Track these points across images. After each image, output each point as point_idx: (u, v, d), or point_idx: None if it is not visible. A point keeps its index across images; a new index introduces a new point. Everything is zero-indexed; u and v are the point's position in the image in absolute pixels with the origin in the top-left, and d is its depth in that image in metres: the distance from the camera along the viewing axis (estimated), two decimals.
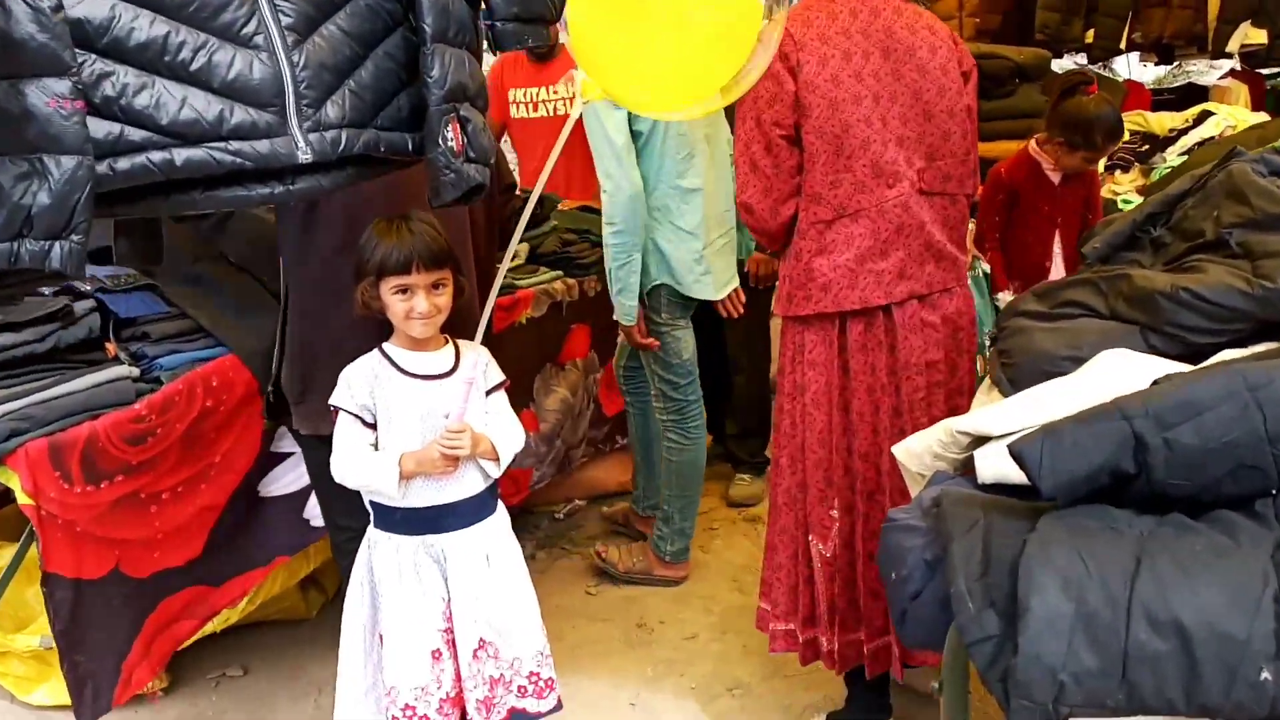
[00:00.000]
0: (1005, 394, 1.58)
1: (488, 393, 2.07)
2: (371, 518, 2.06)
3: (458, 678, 2.00)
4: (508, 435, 2.04)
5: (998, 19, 5.57)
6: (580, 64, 1.73)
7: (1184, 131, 5.16)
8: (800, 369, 2.19)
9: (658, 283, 2.96)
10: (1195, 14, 5.95)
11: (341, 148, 1.35)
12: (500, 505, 2.13)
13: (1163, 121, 5.26)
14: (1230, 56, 6.19)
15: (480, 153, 1.46)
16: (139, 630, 2.25)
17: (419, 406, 1.97)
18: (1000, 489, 1.31)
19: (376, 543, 2.03)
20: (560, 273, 3.46)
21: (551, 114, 4.06)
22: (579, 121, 3.07)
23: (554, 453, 3.48)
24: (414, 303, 1.90)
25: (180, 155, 1.28)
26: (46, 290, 2.26)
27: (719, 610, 3.12)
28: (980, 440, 1.40)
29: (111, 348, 2.28)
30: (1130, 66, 6.60)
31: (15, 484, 1.98)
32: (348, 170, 1.42)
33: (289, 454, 2.46)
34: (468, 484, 2.01)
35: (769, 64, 1.66)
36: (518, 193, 4.71)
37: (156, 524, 2.24)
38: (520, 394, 3.23)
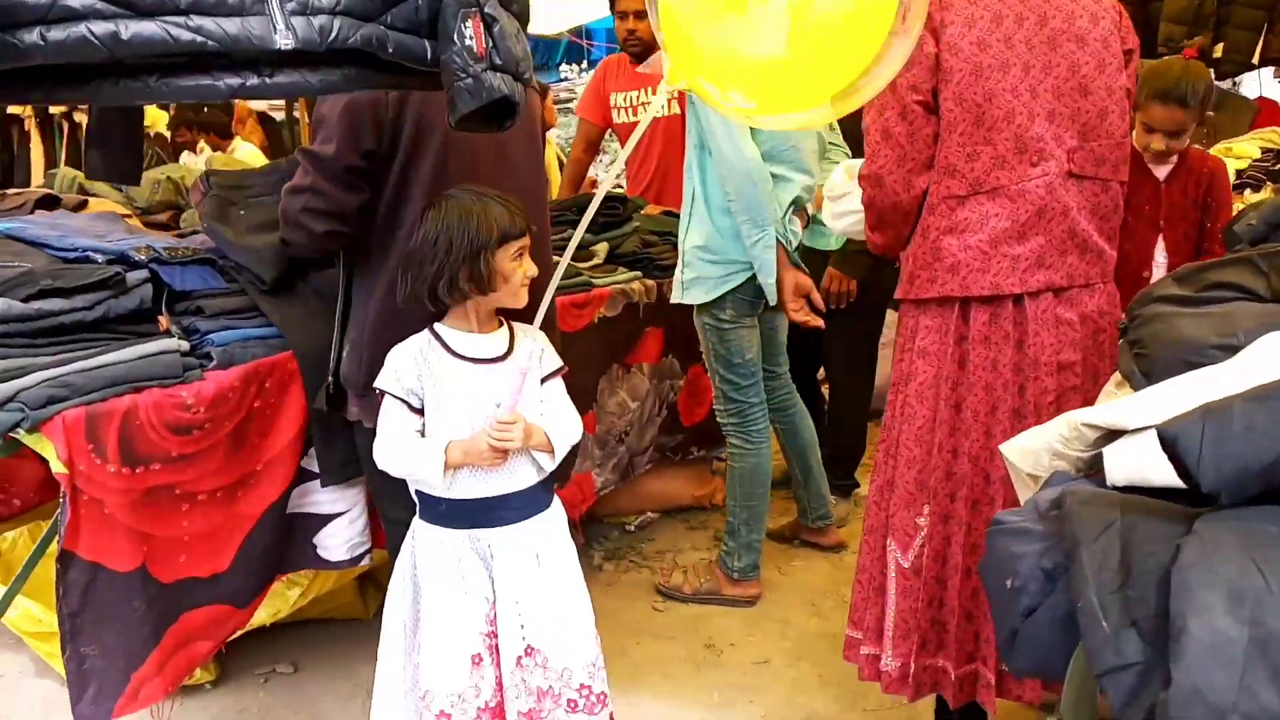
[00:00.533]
0: (1138, 388, 1.34)
1: (543, 379, 1.94)
2: (417, 508, 1.93)
3: (499, 686, 1.83)
4: (564, 427, 1.90)
5: None
6: (666, 48, 1.52)
7: None
8: (909, 357, 2.02)
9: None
10: None
11: (333, 38, 1.13)
12: (556, 502, 2.00)
13: None
14: None
15: (509, 60, 1.25)
16: (157, 641, 2.07)
17: (468, 392, 1.85)
18: (1137, 493, 1.08)
19: (420, 533, 1.91)
20: (639, 273, 3.34)
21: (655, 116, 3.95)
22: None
23: (617, 458, 3.30)
24: (525, 265, 1.84)
25: (128, 28, 1.07)
26: (100, 258, 2.18)
27: (794, 635, 2.89)
28: (1111, 435, 1.17)
29: (164, 321, 2.18)
30: (1262, 83, 6.18)
31: (50, 453, 1.88)
32: (344, 70, 1.20)
33: (315, 474, 2.31)
34: (520, 477, 1.89)
35: (893, 75, 1.46)
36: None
37: (186, 525, 2.08)
38: (585, 394, 3.08)
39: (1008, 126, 1.87)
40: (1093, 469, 1.20)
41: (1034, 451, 1.25)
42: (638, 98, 4.07)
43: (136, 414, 1.97)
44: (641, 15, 3.86)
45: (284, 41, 1.10)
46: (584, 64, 10.44)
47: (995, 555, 1.05)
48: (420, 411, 1.85)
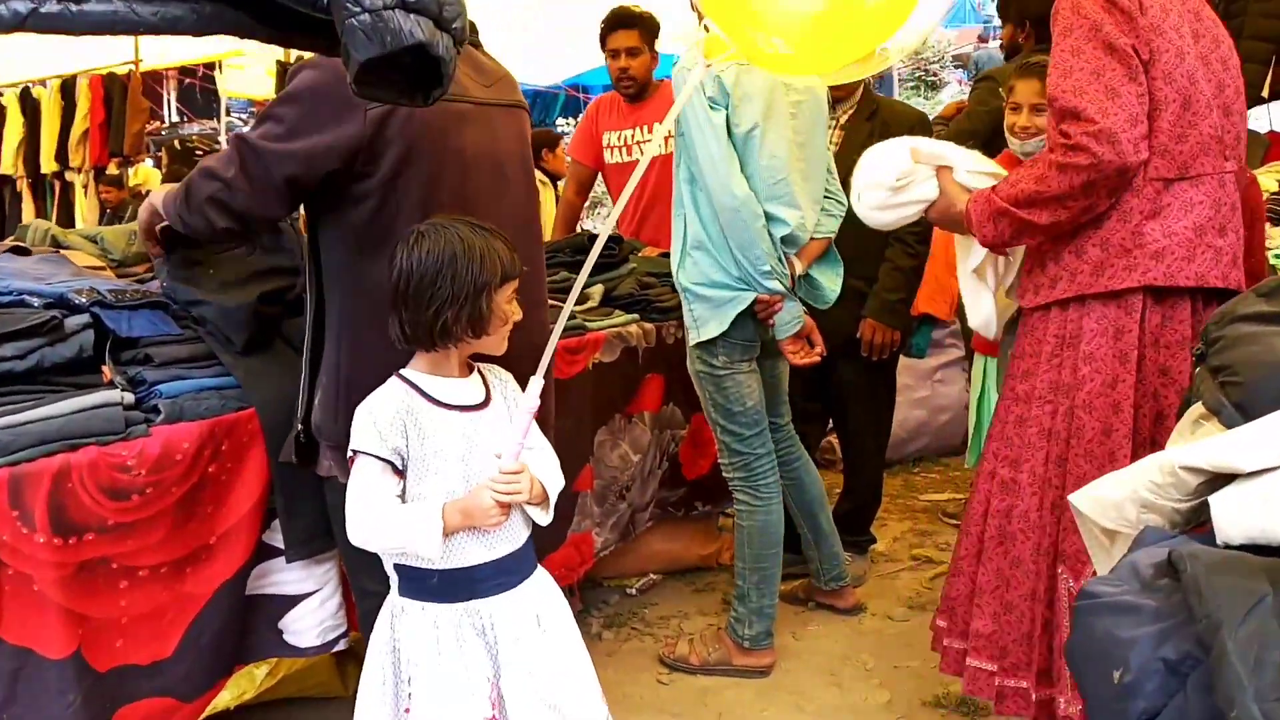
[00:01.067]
0: (1229, 423, 1.12)
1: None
2: (394, 584, 1.71)
3: None
4: (553, 474, 1.73)
5: None
6: (708, 11, 1.48)
7: None
8: (1068, 365, 1.86)
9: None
10: None
11: None
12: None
13: None
14: None
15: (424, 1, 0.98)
16: None
17: (461, 445, 1.66)
18: (1259, 553, 0.85)
19: (404, 613, 1.68)
20: (636, 316, 3.13)
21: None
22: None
23: (617, 515, 3.06)
24: (514, 308, 1.70)
25: None
26: (36, 301, 1.97)
27: (812, 709, 2.62)
28: (1218, 480, 0.94)
29: (107, 371, 1.96)
30: (1272, 117, 6.03)
31: None
32: (194, 3, 0.94)
33: (279, 550, 2.06)
34: (516, 535, 1.72)
35: (935, 27, 1.38)
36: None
37: (124, 604, 1.82)
38: (583, 446, 2.85)
39: (1208, 115, 1.84)
40: (1192, 523, 0.97)
41: (1116, 502, 1.03)
42: (632, 137, 3.92)
43: (69, 476, 1.75)
44: (634, 53, 3.73)
45: None
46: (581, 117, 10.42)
47: (1092, 638, 0.82)
48: (402, 474, 1.64)
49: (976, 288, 2.07)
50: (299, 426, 1.87)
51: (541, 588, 1.77)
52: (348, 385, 1.78)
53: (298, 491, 1.99)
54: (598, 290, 3.21)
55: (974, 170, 1.94)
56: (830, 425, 3.63)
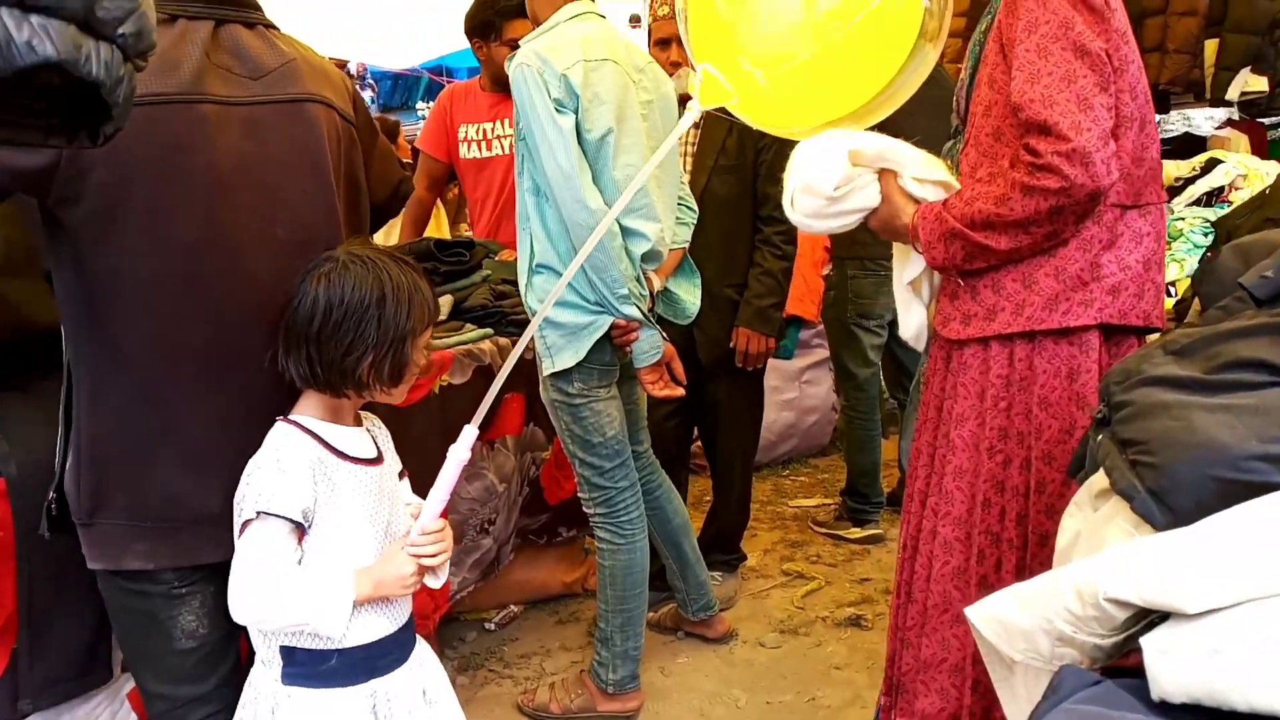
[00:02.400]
0: (1144, 513, 0.96)
1: (400, 474, 1.64)
2: (274, 670, 1.48)
3: None
4: None
5: None
6: (695, 55, 1.36)
7: (1190, 180, 4.79)
8: (1019, 410, 1.68)
9: None
10: (1192, 60, 5.68)
11: None
12: None
13: (1168, 171, 4.85)
14: (1230, 104, 5.86)
15: None
16: None
17: (365, 503, 1.48)
18: (1201, 715, 0.68)
19: (290, 702, 1.46)
20: (490, 330, 2.87)
21: (507, 151, 3.50)
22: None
23: (480, 553, 2.81)
24: (425, 353, 1.56)
25: None
26: None
27: None
28: (1152, 618, 0.77)
29: None
30: None
31: None
32: None
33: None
34: (407, 602, 1.57)
35: (924, 77, 1.37)
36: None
37: None
38: (428, 478, 2.58)
39: (1154, 138, 1.68)
40: (1115, 657, 0.80)
41: (1024, 631, 0.85)
42: (491, 130, 3.62)
43: None
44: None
45: None
46: None
47: None
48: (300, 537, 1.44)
49: (909, 300, 1.86)
50: (52, 494, 1.54)
51: (422, 656, 1.60)
52: (92, 447, 1.47)
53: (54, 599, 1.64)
54: (446, 302, 2.93)
55: (922, 178, 1.71)
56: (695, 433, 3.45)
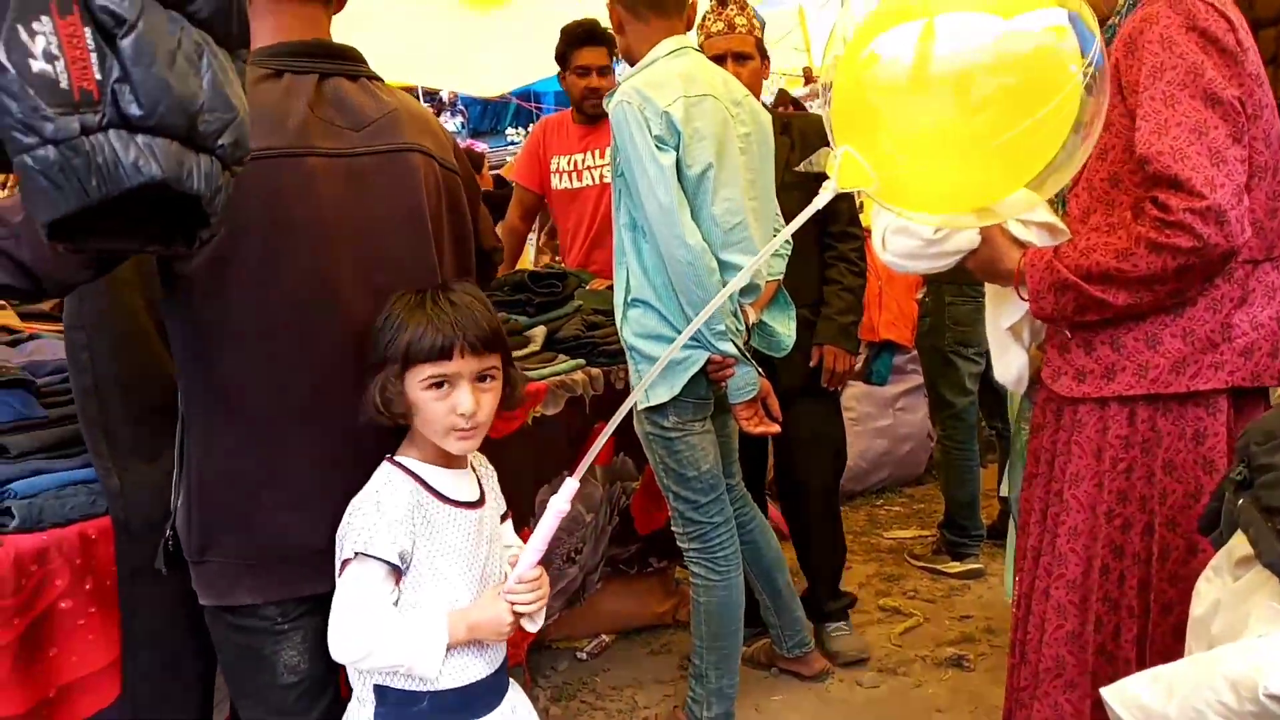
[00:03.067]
0: None
1: (503, 517, 1.64)
2: (368, 708, 1.49)
3: None
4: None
5: None
6: (837, 136, 1.33)
7: None
8: (1140, 473, 1.58)
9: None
10: None
11: None
12: None
13: None
14: None
15: (161, 106, 0.64)
16: None
17: (463, 547, 1.49)
18: None
19: None
20: (582, 361, 2.88)
21: (598, 181, 3.54)
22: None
23: (566, 581, 2.81)
24: (456, 399, 1.44)
25: None
26: None
27: None
28: None
29: None
30: None
31: None
32: None
33: None
34: (501, 647, 1.56)
35: (1088, 155, 1.32)
36: (545, 264, 4.16)
37: None
38: (520, 510, 2.59)
39: None
40: None
41: (1163, 716, 0.80)
42: (582, 161, 3.66)
43: None
44: (605, 71, 3.48)
45: None
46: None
47: None
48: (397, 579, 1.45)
49: (1007, 343, 1.78)
50: (169, 530, 1.59)
51: (515, 701, 1.59)
52: (202, 490, 1.51)
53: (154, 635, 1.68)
54: (539, 333, 2.95)
55: (1026, 219, 1.63)
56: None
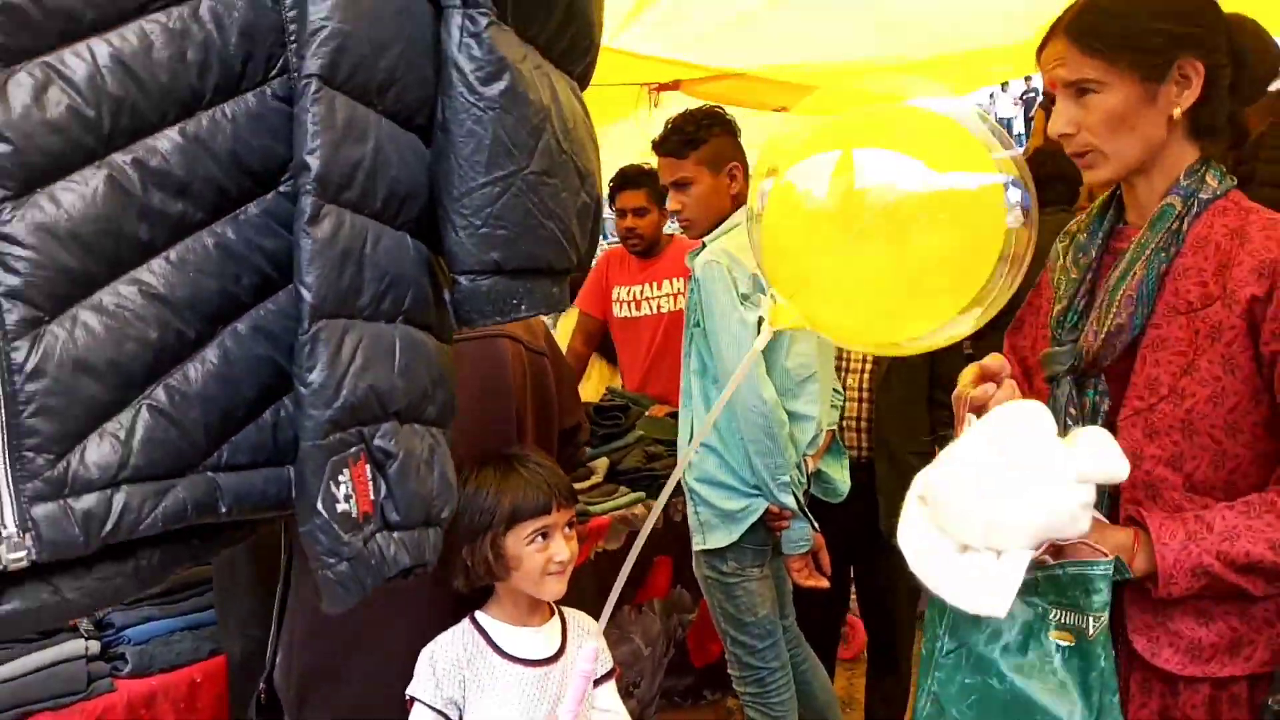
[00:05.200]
0: None
1: (597, 682, 1.62)
2: None
3: None
4: None
5: None
6: (773, 285, 1.38)
7: None
8: None
9: None
10: None
11: (110, 526, 0.69)
12: None
13: None
14: None
15: (412, 507, 0.82)
16: None
17: (519, 702, 1.53)
18: None
19: None
20: (642, 494, 2.97)
21: (655, 311, 3.78)
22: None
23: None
24: (553, 549, 1.54)
25: None
26: None
27: None
28: None
29: None
30: None
31: None
32: (136, 560, 0.74)
33: None
34: None
35: (1016, 283, 1.23)
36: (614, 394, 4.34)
37: None
38: None
39: None
40: None
41: None
42: (641, 292, 3.88)
43: None
44: (641, 213, 3.71)
45: (12, 556, 0.65)
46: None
47: None
48: None
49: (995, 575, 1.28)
50: (263, 685, 1.71)
51: None
52: (305, 645, 1.62)
53: None
54: (603, 464, 3.07)
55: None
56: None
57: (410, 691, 1.51)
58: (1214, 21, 1.28)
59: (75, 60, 0.64)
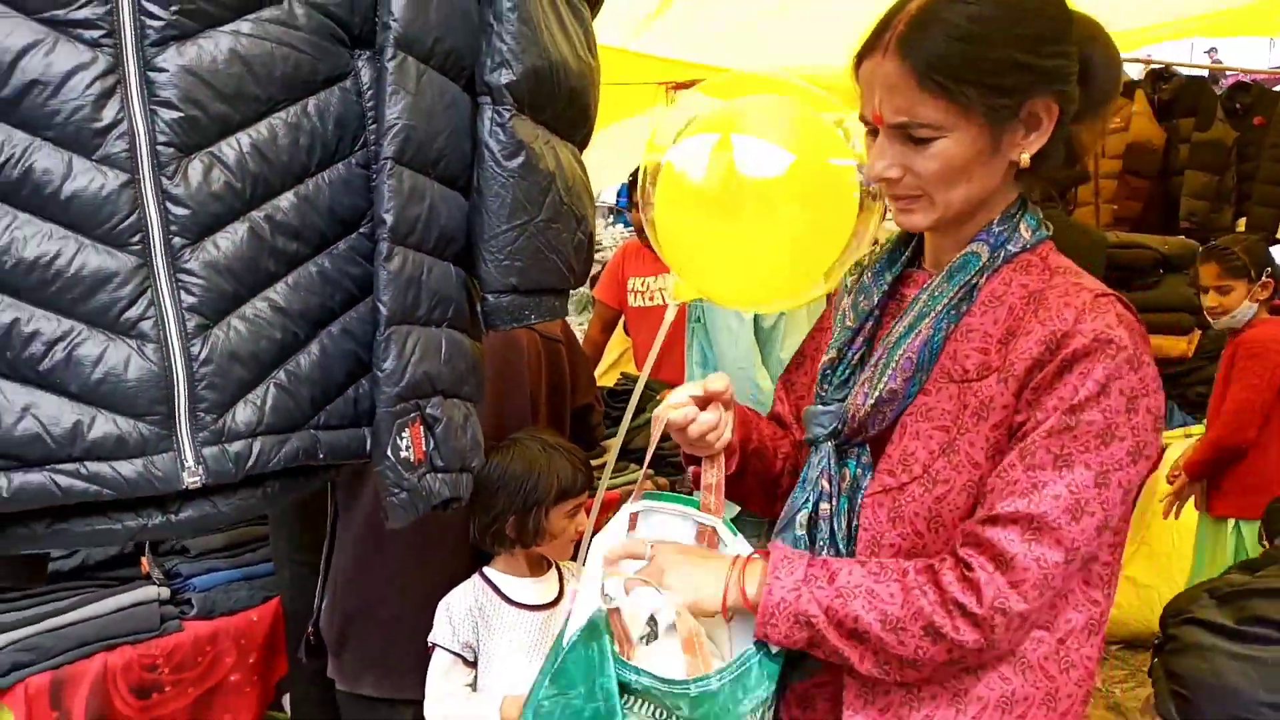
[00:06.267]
0: None
1: None
2: None
3: None
4: None
5: (1138, 206, 5.24)
6: (670, 264, 1.63)
7: None
8: None
9: None
10: None
11: (251, 463, 0.99)
12: None
13: None
14: None
15: (452, 458, 1.13)
16: None
17: (526, 641, 1.76)
18: None
19: None
20: (652, 471, 3.20)
21: (667, 302, 4.01)
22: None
23: None
24: (580, 521, 1.80)
25: (11, 481, 0.92)
26: None
27: None
28: None
29: (145, 563, 2.09)
30: None
31: None
32: (265, 487, 1.05)
33: None
34: None
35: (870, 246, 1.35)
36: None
37: None
38: None
39: None
40: None
41: None
42: (654, 283, 4.09)
43: (105, 678, 1.86)
44: None
45: (191, 480, 0.96)
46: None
47: None
48: (473, 664, 1.76)
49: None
50: (311, 628, 1.97)
51: None
52: (345, 593, 1.89)
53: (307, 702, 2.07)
54: (615, 443, 3.30)
55: None
56: None
57: (431, 639, 1.75)
58: (1069, 40, 1.05)
59: (228, 149, 0.94)
